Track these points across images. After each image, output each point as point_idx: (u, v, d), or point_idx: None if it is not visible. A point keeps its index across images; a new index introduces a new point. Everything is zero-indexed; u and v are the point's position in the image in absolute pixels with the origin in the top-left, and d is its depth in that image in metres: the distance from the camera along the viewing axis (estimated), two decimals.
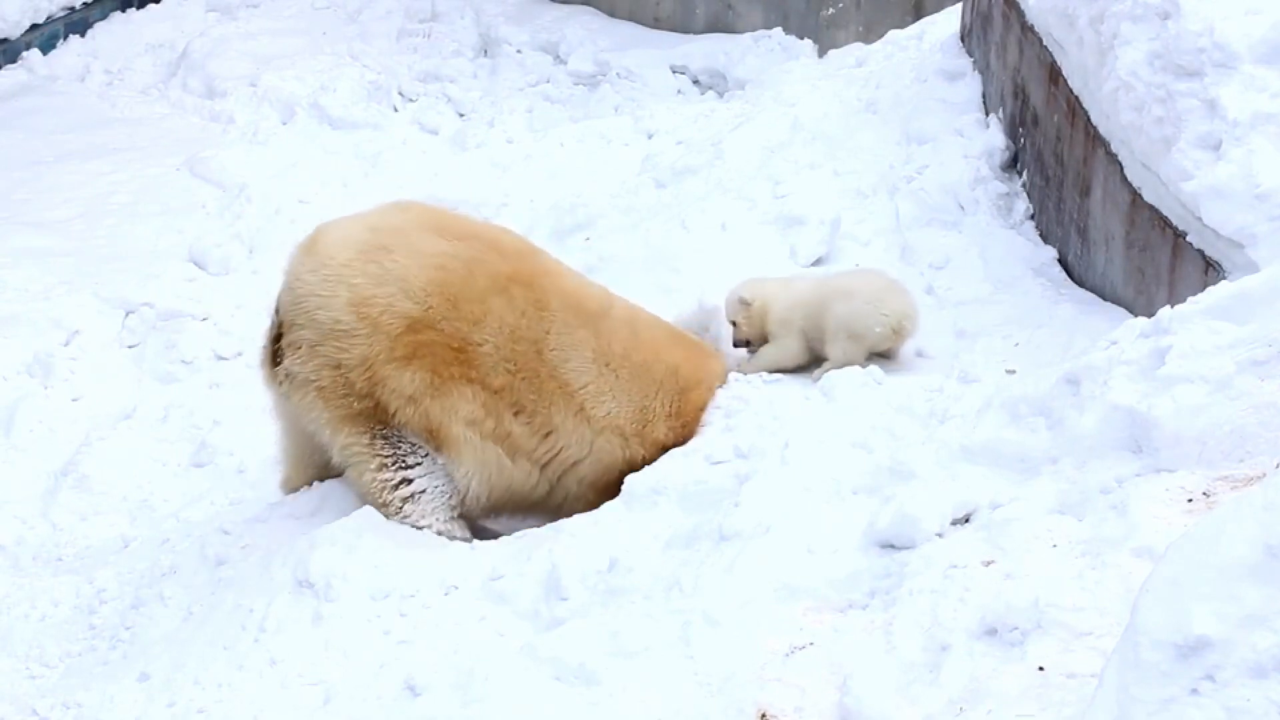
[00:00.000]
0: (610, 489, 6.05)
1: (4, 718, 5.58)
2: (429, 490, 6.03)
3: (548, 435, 6.16)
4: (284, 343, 6.02)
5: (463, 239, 6.15)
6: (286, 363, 6.00)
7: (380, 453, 5.99)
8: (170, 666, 5.47)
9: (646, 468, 5.94)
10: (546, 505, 6.28)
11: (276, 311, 6.11)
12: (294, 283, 6.02)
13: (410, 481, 6.01)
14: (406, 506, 5.98)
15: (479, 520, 6.30)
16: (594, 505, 6.02)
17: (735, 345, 6.66)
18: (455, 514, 6.08)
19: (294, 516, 6.33)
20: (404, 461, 6.01)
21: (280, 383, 6.08)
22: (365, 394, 5.94)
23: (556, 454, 6.20)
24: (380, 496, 5.99)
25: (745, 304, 6.55)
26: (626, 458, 6.23)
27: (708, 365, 6.52)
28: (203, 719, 5.20)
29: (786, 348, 6.51)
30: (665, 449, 6.21)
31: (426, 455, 6.03)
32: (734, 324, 6.62)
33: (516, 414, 6.10)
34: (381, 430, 5.99)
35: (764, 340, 6.60)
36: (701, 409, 6.33)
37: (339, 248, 5.99)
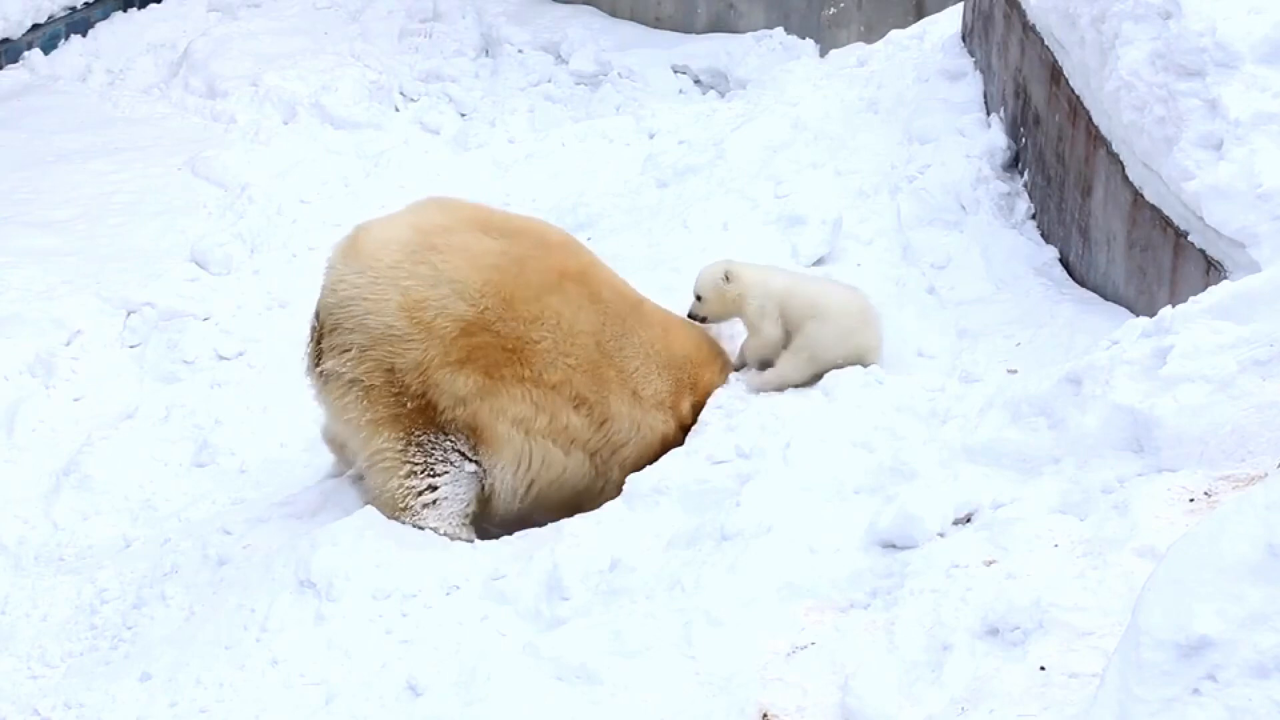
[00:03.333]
0: (640, 469, 6.12)
1: (6, 718, 5.58)
2: (450, 497, 6.04)
3: (604, 423, 6.22)
4: (326, 345, 5.97)
5: (509, 235, 6.14)
6: (330, 364, 5.95)
7: (412, 459, 5.98)
8: (172, 666, 5.47)
9: (649, 468, 5.94)
10: (588, 494, 6.30)
11: (316, 315, 6.06)
12: (338, 285, 5.95)
13: (435, 489, 6.01)
14: (426, 511, 5.99)
15: (514, 516, 6.30)
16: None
17: (689, 317, 6.52)
18: (468, 520, 6.11)
19: (296, 516, 6.34)
20: (433, 470, 6.00)
21: (315, 383, 6.06)
22: (419, 394, 5.92)
23: (609, 440, 6.25)
24: (402, 501, 5.99)
25: (726, 282, 6.42)
26: (663, 433, 6.31)
27: (715, 349, 6.61)
28: (205, 719, 5.21)
29: (769, 337, 6.42)
30: (684, 427, 6.30)
31: (454, 464, 6.03)
32: (698, 298, 6.43)
33: (576, 407, 6.15)
34: (418, 435, 5.97)
35: (720, 321, 6.52)
36: (710, 390, 6.38)
37: (385, 249, 5.93)
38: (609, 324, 6.20)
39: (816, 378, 6.25)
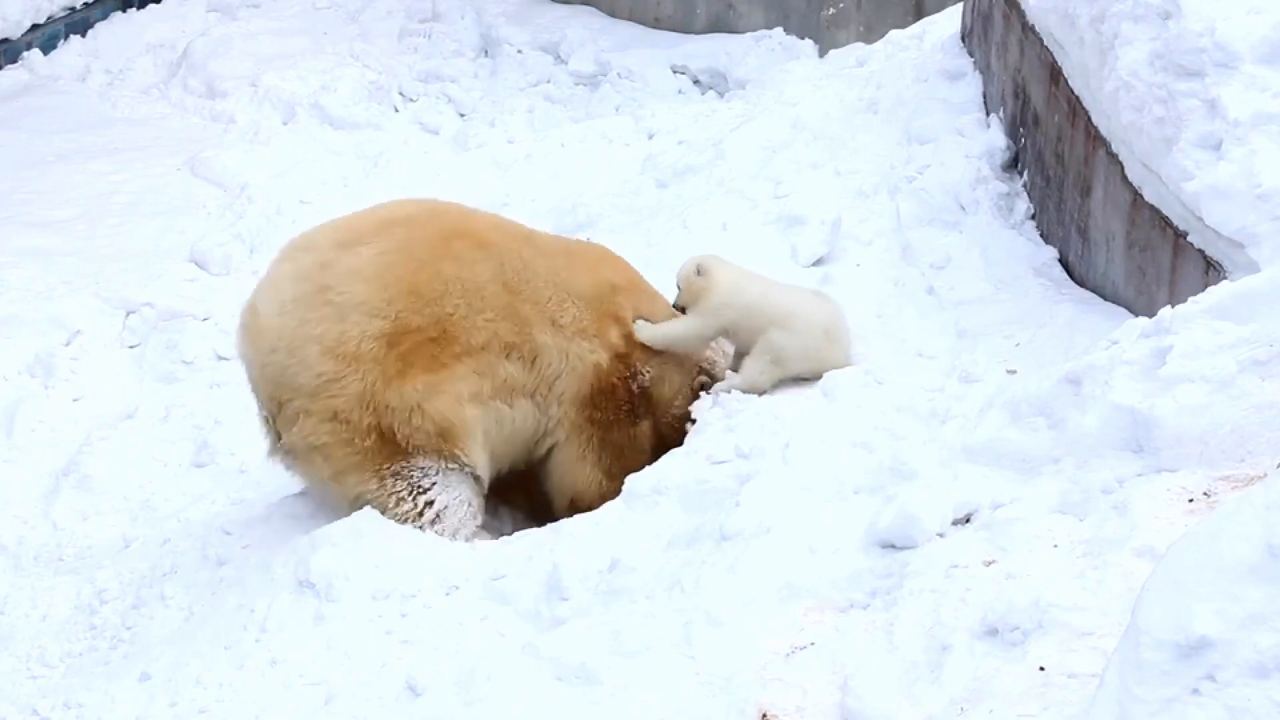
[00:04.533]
0: (586, 405, 6.26)
1: (5, 718, 5.58)
2: (451, 505, 6.02)
3: (535, 360, 6.22)
4: (281, 424, 6.00)
5: (378, 232, 6.09)
6: (289, 438, 5.98)
7: (395, 490, 5.98)
8: (171, 666, 5.47)
9: (649, 469, 5.94)
10: (534, 438, 6.34)
11: (261, 406, 6.10)
12: (263, 368, 5.97)
13: (432, 504, 5.99)
14: (435, 527, 5.98)
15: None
16: (577, 426, 6.27)
17: (674, 306, 6.62)
18: (479, 519, 6.12)
19: (295, 516, 6.33)
20: (420, 486, 5.98)
21: (284, 461, 6.09)
22: (371, 428, 5.91)
23: (543, 376, 6.25)
24: (408, 524, 5.97)
25: (697, 275, 6.48)
26: (594, 362, 6.32)
27: (630, 275, 6.64)
28: (204, 719, 5.21)
29: (690, 328, 6.45)
30: (618, 355, 6.35)
31: (438, 471, 6.01)
32: (678, 286, 6.54)
33: (508, 356, 6.16)
34: (388, 468, 5.96)
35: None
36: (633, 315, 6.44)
37: (280, 316, 5.93)
38: (507, 262, 6.20)
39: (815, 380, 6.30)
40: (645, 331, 6.41)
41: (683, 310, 6.52)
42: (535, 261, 6.27)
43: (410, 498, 5.97)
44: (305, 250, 6.10)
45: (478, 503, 6.12)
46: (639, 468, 6.08)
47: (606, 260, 6.65)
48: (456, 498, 6.03)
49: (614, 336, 6.38)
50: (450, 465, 6.03)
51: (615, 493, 6.08)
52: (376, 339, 5.88)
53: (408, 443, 5.95)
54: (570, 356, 6.27)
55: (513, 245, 6.28)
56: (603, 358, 6.33)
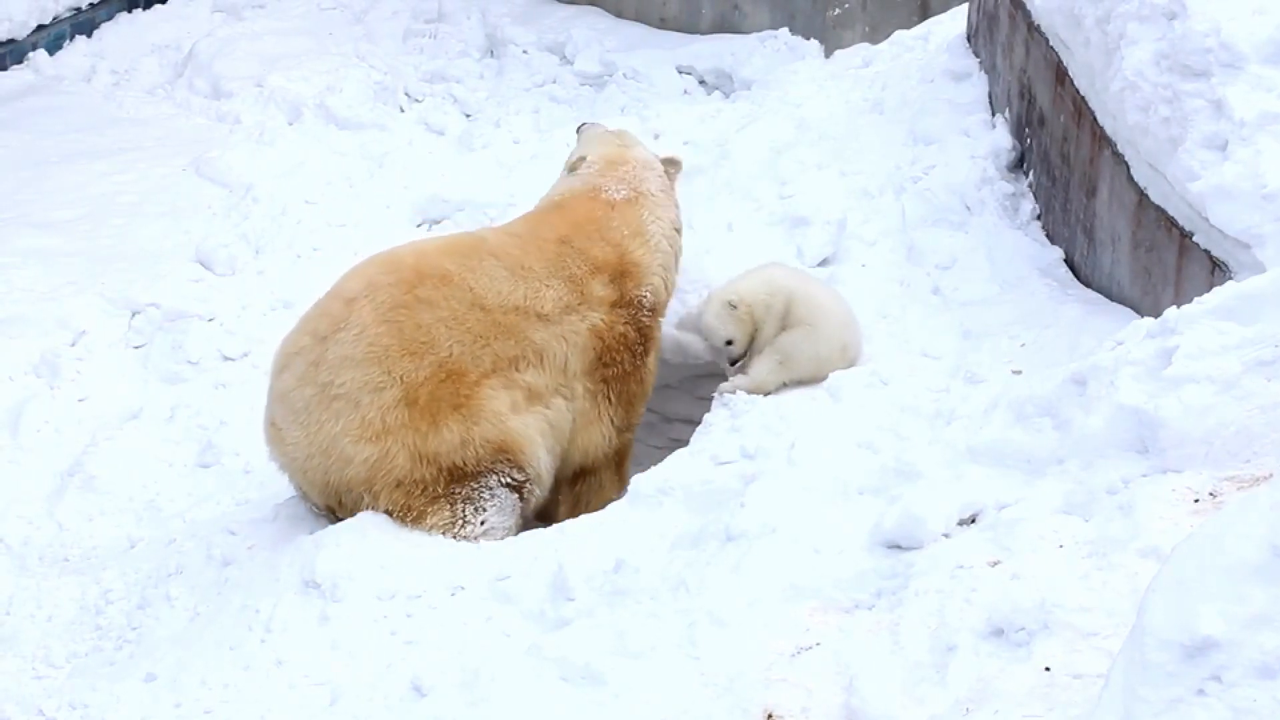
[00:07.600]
0: (596, 368, 6.41)
1: (11, 718, 5.59)
2: (499, 526, 6.16)
3: (543, 360, 6.32)
4: (343, 513, 6.14)
5: (347, 314, 6.14)
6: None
7: (462, 515, 6.10)
8: (176, 667, 5.48)
9: (654, 469, 5.95)
10: (570, 428, 6.46)
11: (315, 504, 6.26)
12: (304, 474, 6.16)
13: (485, 521, 6.12)
14: (482, 540, 6.08)
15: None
16: (591, 392, 6.42)
17: (732, 363, 6.64)
18: (514, 530, 6.23)
19: (300, 517, 6.35)
20: (482, 508, 6.12)
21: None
22: (436, 476, 6.03)
23: (557, 368, 6.36)
24: (459, 540, 6.10)
25: (735, 309, 6.52)
26: (588, 329, 6.43)
27: (591, 225, 6.69)
28: (209, 719, 5.21)
29: (759, 351, 6.49)
30: (612, 304, 6.48)
31: (496, 493, 6.15)
32: (728, 343, 6.57)
33: (519, 369, 6.25)
34: (457, 492, 6.09)
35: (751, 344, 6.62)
36: (608, 259, 6.55)
37: (298, 424, 6.10)
38: (472, 284, 6.26)
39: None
40: (731, 383, 6.43)
41: (742, 356, 6.57)
42: (495, 269, 6.34)
43: (475, 518, 6.11)
44: (295, 355, 6.22)
45: (517, 520, 6.24)
46: (641, 411, 6.49)
47: (544, 223, 6.72)
48: (504, 519, 6.17)
49: (597, 289, 6.50)
50: (510, 489, 6.17)
51: (622, 445, 6.52)
52: (395, 407, 6.00)
53: (477, 467, 6.10)
54: (568, 338, 6.39)
55: (470, 264, 6.33)
56: (596, 318, 6.45)
